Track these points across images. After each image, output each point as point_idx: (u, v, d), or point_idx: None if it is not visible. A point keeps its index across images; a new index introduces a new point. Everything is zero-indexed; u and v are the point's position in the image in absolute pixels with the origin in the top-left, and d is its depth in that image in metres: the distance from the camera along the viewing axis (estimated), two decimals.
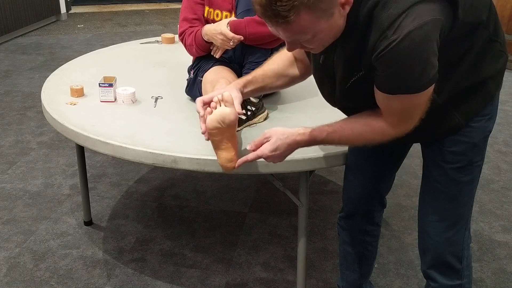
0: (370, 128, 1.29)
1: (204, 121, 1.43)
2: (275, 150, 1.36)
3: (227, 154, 1.45)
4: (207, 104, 1.45)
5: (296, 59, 1.52)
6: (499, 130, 3.54)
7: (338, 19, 1.14)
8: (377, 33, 1.12)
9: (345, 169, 1.66)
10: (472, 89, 1.28)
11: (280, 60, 1.53)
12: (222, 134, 1.42)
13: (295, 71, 1.53)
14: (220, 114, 1.40)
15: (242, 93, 1.50)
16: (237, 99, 1.46)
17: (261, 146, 1.39)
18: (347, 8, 1.13)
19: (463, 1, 1.14)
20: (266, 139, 1.38)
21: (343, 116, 1.47)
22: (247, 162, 1.43)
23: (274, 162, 1.42)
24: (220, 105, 1.41)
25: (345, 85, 1.29)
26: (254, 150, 1.40)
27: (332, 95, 1.38)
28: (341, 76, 1.29)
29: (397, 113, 1.23)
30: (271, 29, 1.16)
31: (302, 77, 1.55)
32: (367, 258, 1.79)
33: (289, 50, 1.24)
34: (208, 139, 1.45)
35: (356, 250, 1.77)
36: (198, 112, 1.45)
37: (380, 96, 1.22)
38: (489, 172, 2.98)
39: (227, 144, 1.44)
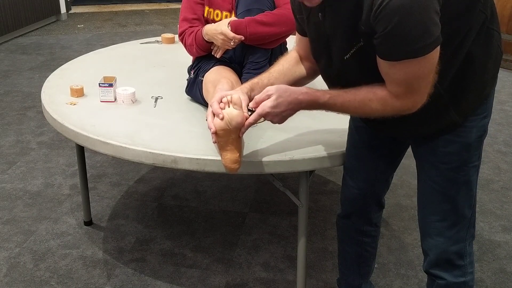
0: (374, 95, 1.25)
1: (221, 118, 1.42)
2: (275, 107, 1.33)
3: (232, 155, 1.45)
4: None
5: (301, 58, 1.51)
6: (499, 130, 3.54)
7: None
8: None
9: (343, 169, 1.66)
10: (469, 82, 1.27)
11: (285, 61, 1.52)
12: (229, 136, 1.43)
13: (301, 70, 1.52)
14: (228, 115, 1.40)
15: (249, 96, 1.48)
16: (244, 102, 1.44)
17: (261, 103, 1.35)
18: None
19: None
20: (268, 96, 1.35)
21: (343, 117, 1.47)
22: (250, 125, 1.40)
23: (274, 122, 1.39)
24: (229, 107, 1.41)
25: (343, 56, 1.26)
26: (255, 108, 1.37)
27: (329, 71, 1.35)
28: (338, 47, 1.26)
29: (401, 83, 1.19)
30: None
31: (309, 77, 1.53)
32: (365, 258, 1.79)
33: None
34: (215, 142, 1.45)
35: (354, 250, 1.77)
36: (218, 115, 1.41)
37: (383, 66, 1.19)
38: (489, 172, 2.98)
39: (232, 146, 1.44)
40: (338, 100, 1.30)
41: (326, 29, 1.28)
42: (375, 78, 1.24)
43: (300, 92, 1.33)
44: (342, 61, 1.28)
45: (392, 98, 1.23)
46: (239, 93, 1.46)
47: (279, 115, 1.36)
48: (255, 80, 1.51)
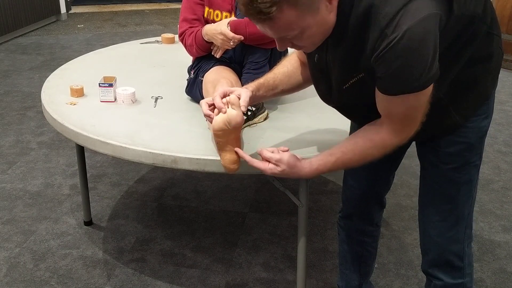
0: (372, 143, 1.27)
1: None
2: (279, 175, 1.38)
3: (231, 155, 1.45)
4: (212, 105, 1.45)
5: (302, 63, 1.51)
6: (499, 130, 3.54)
7: (326, 15, 1.13)
8: (376, 33, 1.10)
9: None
10: (470, 84, 1.27)
11: (289, 63, 1.52)
12: (228, 136, 1.42)
13: (304, 74, 1.52)
14: (227, 115, 1.39)
15: (254, 95, 1.48)
16: (247, 98, 1.43)
17: (267, 161, 1.38)
18: (335, 3, 1.12)
19: None
20: (276, 164, 1.37)
21: (343, 117, 1.47)
22: (250, 164, 1.41)
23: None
24: (228, 107, 1.41)
25: (343, 85, 1.28)
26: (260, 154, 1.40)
27: (328, 95, 1.37)
28: (337, 77, 1.28)
29: (400, 117, 1.22)
30: (259, 27, 1.15)
31: (306, 82, 1.54)
32: (366, 258, 1.79)
33: (280, 48, 1.22)
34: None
35: (355, 250, 1.77)
36: (208, 116, 1.42)
37: (382, 100, 1.21)
38: (489, 172, 2.98)
39: (232, 146, 1.44)
40: (339, 163, 1.33)
41: (324, 61, 1.29)
42: (374, 103, 1.25)
43: (304, 170, 1.36)
44: (341, 90, 1.30)
45: (391, 137, 1.25)
46: (245, 90, 1.45)
47: (278, 177, 1.42)
48: (261, 80, 1.51)
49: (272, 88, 1.51)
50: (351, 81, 1.25)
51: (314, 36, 1.17)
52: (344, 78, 1.26)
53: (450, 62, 1.22)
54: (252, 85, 1.49)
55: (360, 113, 1.36)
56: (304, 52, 1.44)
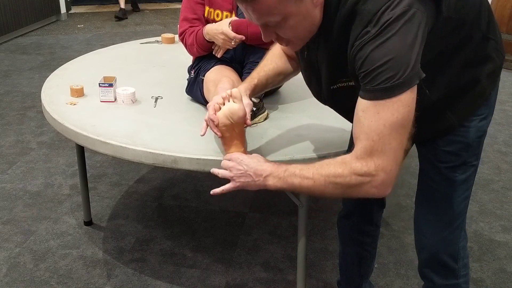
0: (333, 159, 1.19)
1: (214, 124, 1.44)
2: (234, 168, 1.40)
3: (237, 150, 1.45)
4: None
5: (288, 57, 1.54)
6: (499, 130, 3.54)
7: (310, 8, 1.12)
8: (359, 28, 1.09)
9: None
10: (466, 87, 1.27)
11: (277, 58, 1.54)
12: (232, 130, 1.43)
13: (289, 66, 1.55)
14: (229, 109, 1.40)
15: (250, 97, 1.51)
16: (248, 107, 1.46)
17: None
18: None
19: None
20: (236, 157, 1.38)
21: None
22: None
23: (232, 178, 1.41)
24: (229, 101, 1.42)
25: (330, 86, 1.27)
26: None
27: (319, 94, 1.37)
28: (325, 77, 1.27)
29: (369, 134, 1.11)
30: (245, 13, 1.15)
31: (295, 71, 1.56)
32: (366, 258, 1.79)
33: (265, 39, 1.20)
34: (220, 136, 1.45)
35: (355, 250, 1.77)
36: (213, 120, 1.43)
37: (358, 106, 1.14)
38: (489, 172, 2.98)
39: (237, 140, 1.45)
40: (303, 167, 1.24)
41: (314, 58, 1.29)
42: None
43: (267, 164, 1.32)
44: (329, 89, 1.29)
45: (352, 157, 1.15)
46: (247, 103, 1.48)
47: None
48: (255, 81, 1.53)
49: (264, 87, 1.57)
50: (340, 84, 1.24)
51: (296, 28, 1.15)
52: (332, 79, 1.26)
53: (443, 66, 1.22)
54: (248, 88, 1.52)
55: (352, 112, 1.34)
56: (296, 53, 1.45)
